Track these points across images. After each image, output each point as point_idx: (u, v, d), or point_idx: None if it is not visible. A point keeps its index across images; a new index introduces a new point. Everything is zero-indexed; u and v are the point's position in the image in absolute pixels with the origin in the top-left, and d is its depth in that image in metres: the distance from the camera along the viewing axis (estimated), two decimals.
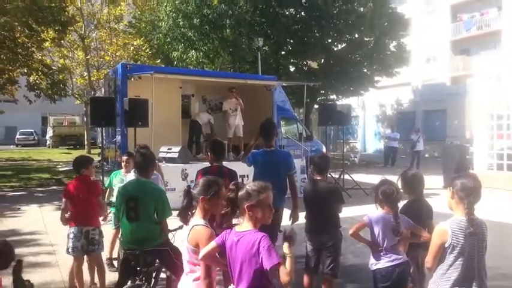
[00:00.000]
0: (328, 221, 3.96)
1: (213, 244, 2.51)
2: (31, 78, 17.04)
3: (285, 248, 2.31)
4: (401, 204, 3.36)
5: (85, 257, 4.39)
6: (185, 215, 2.76)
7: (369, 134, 30.43)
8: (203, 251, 2.51)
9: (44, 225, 7.69)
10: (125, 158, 5.52)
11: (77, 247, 4.27)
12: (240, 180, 4.60)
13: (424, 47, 28.49)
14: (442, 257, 2.55)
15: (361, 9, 19.11)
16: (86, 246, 4.27)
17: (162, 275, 3.95)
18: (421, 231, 3.26)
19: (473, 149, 13.19)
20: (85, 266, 4.45)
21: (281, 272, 2.20)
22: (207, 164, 4.45)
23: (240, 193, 2.43)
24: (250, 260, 2.29)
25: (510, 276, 4.93)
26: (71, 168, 16.96)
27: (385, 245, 3.19)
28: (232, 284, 2.44)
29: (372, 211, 3.34)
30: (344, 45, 20.81)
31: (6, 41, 14.70)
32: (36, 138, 37.12)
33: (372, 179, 9.29)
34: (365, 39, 19.90)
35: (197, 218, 2.71)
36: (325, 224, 3.96)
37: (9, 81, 16.95)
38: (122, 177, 5.35)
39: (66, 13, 16.15)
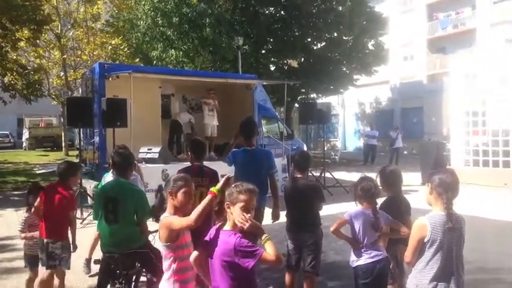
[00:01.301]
0: (309, 219, 3.96)
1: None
2: (6, 79, 16.56)
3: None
4: (380, 201, 3.39)
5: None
6: (159, 214, 2.74)
7: (349, 132, 30.77)
8: (193, 255, 2.50)
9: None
10: (111, 160, 5.47)
11: (42, 258, 3.96)
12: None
13: (401, 46, 28.94)
14: (421, 252, 2.57)
15: (340, 8, 19.28)
16: (46, 260, 3.91)
17: (143, 278, 3.89)
18: (400, 227, 3.30)
19: (450, 146, 13.45)
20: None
21: (267, 257, 2.22)
22: (188, 164, 4.40)
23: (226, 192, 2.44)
24: (226, 261, 2.27)
25: (486, 269, 5.05)
26: (48, 170, 16.48)
27: (365, 242, 3.22)
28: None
29: (352, 208, 3.36)
30: (323, 44, 20.96)
31: None
32: (12, 140, 36.17)
33: (353, 176, 9.40)
34: (344, 38, 20.09)
35: (165, 214, 2.70)
36: (306, 222, 3.97)
37: None
38: None
39: (42, 12, 15.74)
